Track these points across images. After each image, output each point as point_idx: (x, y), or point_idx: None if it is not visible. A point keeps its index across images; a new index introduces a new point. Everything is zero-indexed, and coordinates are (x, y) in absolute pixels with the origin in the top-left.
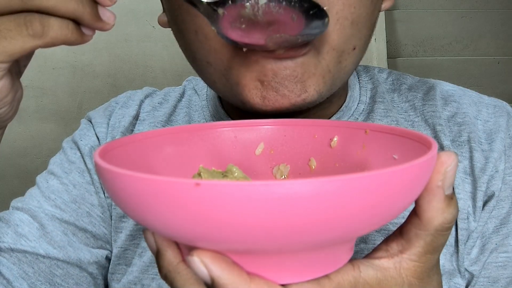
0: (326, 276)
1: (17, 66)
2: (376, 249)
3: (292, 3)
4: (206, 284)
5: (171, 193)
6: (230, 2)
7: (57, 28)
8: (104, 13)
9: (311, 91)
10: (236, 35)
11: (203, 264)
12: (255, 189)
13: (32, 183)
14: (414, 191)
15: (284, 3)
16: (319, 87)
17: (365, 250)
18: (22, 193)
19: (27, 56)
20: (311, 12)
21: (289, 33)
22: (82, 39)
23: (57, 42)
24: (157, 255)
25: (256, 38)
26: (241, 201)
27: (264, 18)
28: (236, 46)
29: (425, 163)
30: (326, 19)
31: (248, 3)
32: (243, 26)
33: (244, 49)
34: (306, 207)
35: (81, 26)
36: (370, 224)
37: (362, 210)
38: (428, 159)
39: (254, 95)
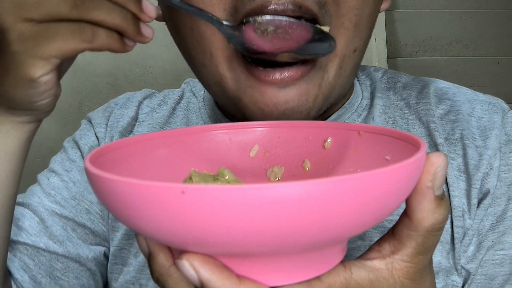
0: (317, 277)
1: (60, 68)
2: (368, 250)
3: (298, 30)
4: (196, 287)
5: (157, 198)
6: (243, 25)
7: (104, 37)
8: (145, 29)
9: (313, 113)
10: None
11: (192, 267)
12: (241, 193)
13: (32, 182)
14: (403, 191)
15: (289, 30)
16: (320, 105)
17: (362, 247)
18: (21, 192)
19: (69, 62)
20: (316, 37)
21: (298, 45)
22: (124, 49)
23: (102, 48)
24: (149, 259)
25: (268, 47)
26: (227, 205)
27: (276, 33)
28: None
29: (412, 164)
30: (333, 43)
31: (258, 30)
32: (259, 40)
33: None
34: (293, 210)
35: (124, 38)
36: (360, 225)
37: (351, 212)
38: (415, 161)
39: (254, 114)
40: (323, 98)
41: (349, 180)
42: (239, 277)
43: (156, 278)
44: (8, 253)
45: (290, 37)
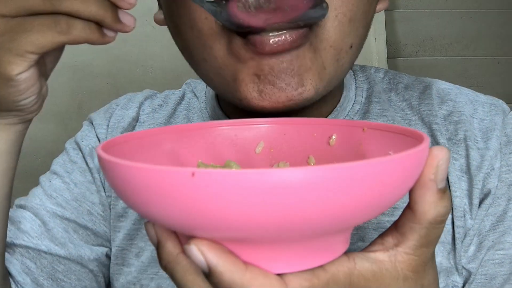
0: (321, 266)
1: (44, 66)
2: (371, 243)
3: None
4: (203, 272)
5: (167, 181)
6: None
7: (80, 28)
8: (124, 16)
9: (308, 86)
10: (237, 18)
11: (200, 252)
12: (247, 177)
13: (32, 183)
14: (405, 182)
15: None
16: (315, 83)
17: (362, 248)
18: (21, 193)
19: (54, 59)
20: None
21: (289, 17)
22: (103, 39)
23: (80, 40)
24: (158, 246)
25: (256, 21)
26: (233, 189)
27: (262, 8)
28: (235, 32)
29: (414, 155)
30: (325, 4)
31: (240, 4)
32: (243, 14)
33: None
34: (297, 195)
35: (103, 28)
36: (362, 214)
37: (352, 199)
38: (418, 152)
39: (251, 89)
40: (320, 79)
41: (351, 167)
42: (245, 263)
43: (164, 266)
44: (10, 256)
45: (277, 7)
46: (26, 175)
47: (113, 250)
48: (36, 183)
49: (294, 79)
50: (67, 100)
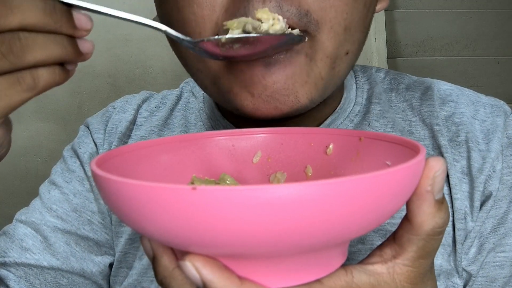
0: (318, 280)
1: (7, 119)
2: (370, 255)
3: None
4: None
5: (164, 199)
6: (205, 40)
7: (46, 77)
8: (84, 45)
9: (303, 100)
10: (218, 53)
11: (195, 268)
12: (242, 194)
13: (32, 182)
14: (402, 195)
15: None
16: (311, 95)
17: (362, 250)
18: (22, 193)
19: None
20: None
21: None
22: (67, 77)
23: (48, 88)
24: (153, 261)
25: (238, 53)
26: (227, 205)
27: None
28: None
29: (410, 168)
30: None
31: (222, 47)
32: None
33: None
34: (293, 210)
35: (65, 64)
36: (358, 228)
37: (347, 214)
38: (413, 164)
39: (245, 105)
40: (316, 89)
41: (346, 182)
42: (241, 278)
43: (160, 281)
44: (13, 275)
45: (258, 46)
46: (26, 174)
47: (117, 255)
48: (36, 182)
49: (289, 98)
50: (67, 100)
